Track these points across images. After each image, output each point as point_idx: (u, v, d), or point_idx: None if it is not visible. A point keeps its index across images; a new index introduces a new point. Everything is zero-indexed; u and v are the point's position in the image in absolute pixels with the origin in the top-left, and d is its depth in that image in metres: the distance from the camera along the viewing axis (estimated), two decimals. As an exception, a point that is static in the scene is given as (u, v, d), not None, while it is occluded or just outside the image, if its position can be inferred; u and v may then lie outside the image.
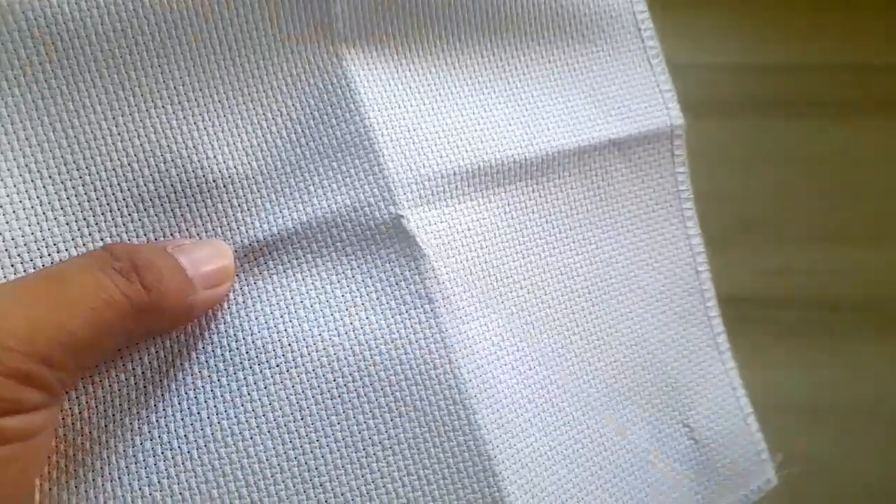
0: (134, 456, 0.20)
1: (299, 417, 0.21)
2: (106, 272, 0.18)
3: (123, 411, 0.20)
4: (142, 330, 0.19)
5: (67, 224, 0.20)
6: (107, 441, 0.20)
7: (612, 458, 0.25)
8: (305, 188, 0.22)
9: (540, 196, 0.26)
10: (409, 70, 0.25)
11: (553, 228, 0.26)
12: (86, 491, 0.19)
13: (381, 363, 0.22)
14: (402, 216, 0.23)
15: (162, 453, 0.20)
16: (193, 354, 0.21)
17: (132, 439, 0.20)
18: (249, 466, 0.20)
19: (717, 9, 0.66)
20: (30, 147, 0.20)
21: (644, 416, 0.27)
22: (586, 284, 0.27)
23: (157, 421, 0.20)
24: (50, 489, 0.19)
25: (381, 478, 0.21)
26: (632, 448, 0.26)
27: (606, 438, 0.26)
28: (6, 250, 0.19)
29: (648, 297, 0.28)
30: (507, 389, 0.23)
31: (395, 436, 0.21)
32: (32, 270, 0.19)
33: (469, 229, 0.24)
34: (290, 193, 0.22)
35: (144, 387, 0.20)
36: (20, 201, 0.19)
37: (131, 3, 0.20)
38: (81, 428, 0.19)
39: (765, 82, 0.62)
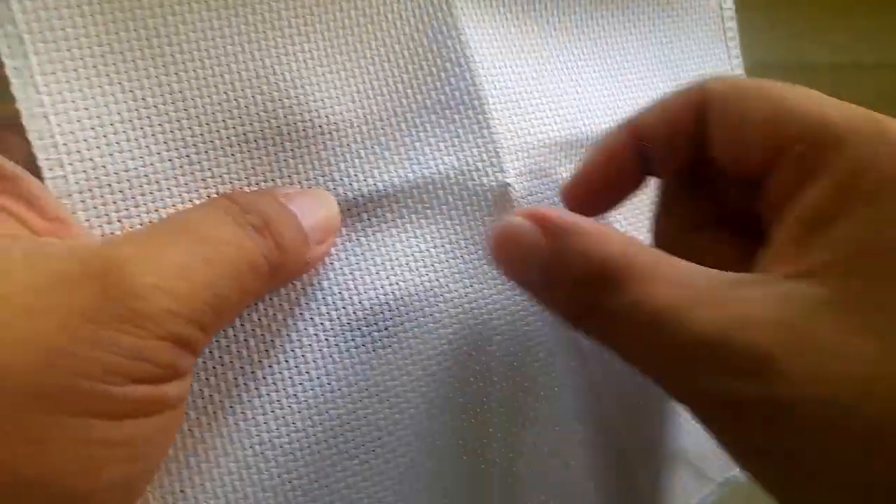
0: (243, 413, 0.19)
1: (406, 382, 0.20)
2: (244, 229, 0.16)
3: (232, 372, 0.19)
4: (267, 289, 0.18)
5: (170, 160, 0.19)
6: (216, 397, 0.19)
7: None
8: (412, 144, 0.21)
9: None
10: (518, 32, 0.24)
11: (635, 204, 0.26)
12: (195, 447, 0.19)
13: (484, 334, 0.21)
14: (508, 184, 0.22)
15: (272, 411, 0.19)
16: (299, 311, 0.20)
17: (241, 396, 0.19)
18: (360, 429, 0.20)
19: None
20: (135, 70, 0.18)
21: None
22: None
23: (265, 378, 0.19)
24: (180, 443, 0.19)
25: (492, 441, 0.21)
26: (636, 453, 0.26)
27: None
28: (109, 184, 0.18)
29: None
30: (599, 354, 0.23)
31: (499, 402, 0.22)
32: (134, 206, 0.18)
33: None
34: (396, 148, 0.21)
35: (253, 344, 0.19)
36: (123, 131, 0.18)
37: None
38: (192, 387, 0.19)
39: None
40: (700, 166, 0.20)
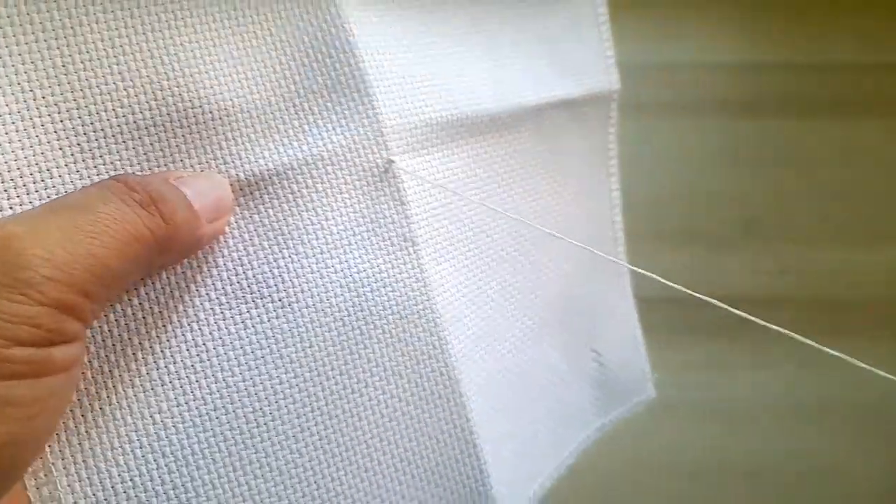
0: (142, 385, 0.20)
1: (301, 349, 0.22)
2: (128, 203, 0.17)
3: (131, 344, 0.20)
4: (157, 263, 0.19)
5: (61, 149, 0.19)
6: (116, 372, 0.20)
7: (540, 379, 0.30)
8: (300, 126, 0.23)
9: (502, 148, 0.28)
10: (400, 18, 0.26)
11: (509, 178, 0.29)
12: (95, 419, 0.19)
13: (371, 299, 0.23)
14: (392, 161, 0.24)
15: (170, 382, 0.20)
16: (194, 287, 0.21)
17: (139, 370, 0.20)
18: (256, 394, 0.21)
19: (717, 9, 0.66)
20: (23, 64, 0.19)
21: (562, 343, 0.31)
22: (526, 239, 0.29)
23: (162, 352, 0.20)
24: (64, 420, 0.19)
25: (370, 400, 0.23)
26: (552, 369, 0.31)
27: (536, 362, 0.30)
28: (0, 174, 0.18)
29: (577, 249, 0.31)
30: (469, 322, 0.26)
31: (382, 363, 0.23)
32: (26, 194, 0.19)
33: (445, 177, 0.26)
34: (285, 130, 0.22)
35: (150, 320, 0.20)
36: (13, 122, 0.19)
37: None
38: (90, 361, 0.19)
39: (765, 82, 0.62)
40: None
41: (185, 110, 0.21)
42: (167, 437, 0.20)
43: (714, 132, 0.60)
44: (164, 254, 0.19)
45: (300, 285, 0.22)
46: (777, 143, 0.59)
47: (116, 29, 0.20)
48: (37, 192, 0.19)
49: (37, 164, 0.19)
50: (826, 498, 0.46)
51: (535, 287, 0.30)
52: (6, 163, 0.18)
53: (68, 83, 0.19)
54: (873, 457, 0.46)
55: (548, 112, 0.30)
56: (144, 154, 0.20)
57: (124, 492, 0.19)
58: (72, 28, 0.19)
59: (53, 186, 0.19)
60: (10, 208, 0.18)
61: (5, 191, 0.18)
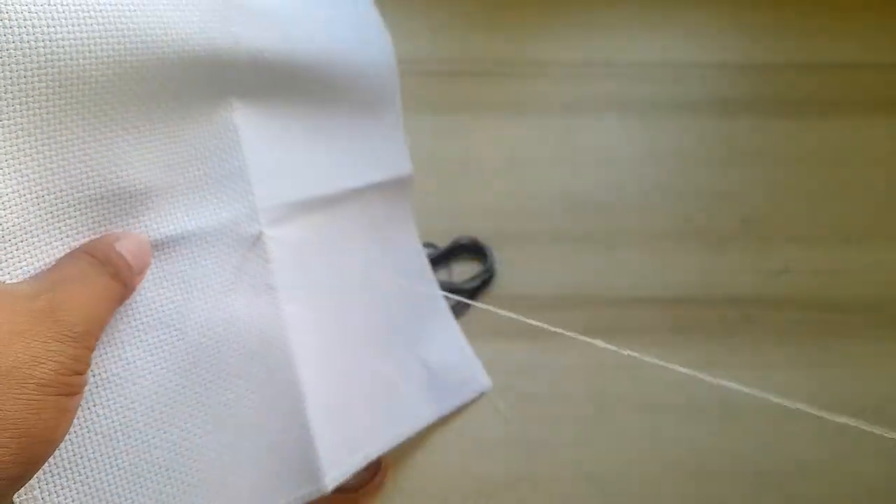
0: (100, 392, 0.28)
1: (190, 362, 0.31)
2: (113, 277, 0.26)
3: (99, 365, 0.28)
4: None
5: (39, 215, 0.25)
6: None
7: (372, 384, 0.41)
8: (200, 202, 0.32)
9: (334, 221, 0.40)
10: (278, 120, 0.36)
11: (340, 244, 0.40)
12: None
13: (242, 328, 0.33)
14: (262, 232, 0.34)
15: (99, 386, 0.27)
16: (121, 318, 0.28)
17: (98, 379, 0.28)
18: (156, 392, 0.29)
19: (717, 9, 0.66)
20: (18, 150, 0.24)
21: (393, 357, 0.43)
22: (356, 284, 0.41)
23: (99, 364, 0.28)
24: None
25: (236, 397, 0.33)
26: (385, 379, 0.42)
27: (370, 372, 0.41)
28: (2, 235, 0.24)
29: (395, 287, 0.44)
30: (312, 343, 0.36)
31: (247, 372, 0.33)
32: (16, 250, 0.24)
33: (297, 241, 0.36)
34: (190, 204, 0.31)
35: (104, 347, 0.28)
36: (9, 195, 0.24)
37: (106, 65, 0.26)
38: None
39: (765, 82, 0.62)
40: None
41: (121, 187, 0.28)
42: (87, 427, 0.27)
43: (713, 132, 0.60)
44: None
45: (193, 318, 0.31)
46: (777, 142, 0.59)
47: (76, 131, 0.26)
48: (26, 249, 0.25)
49: (23, 227, 0.25)
50: (826, 498, 0.46)
51: (365, 316, 0.41)
52: (2, 226, 0.24)
53: (48, 168, 0.25)
54: (873, 457, 0.45)
55: (366, 192, 0.43)
56: (94, 219, 0.27)
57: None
58: (51, 128, 0.25)
59: (38, 245, 0.25)
60: (6, 259, 0.24)
61: (5, 248, 0.24)
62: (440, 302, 0.49)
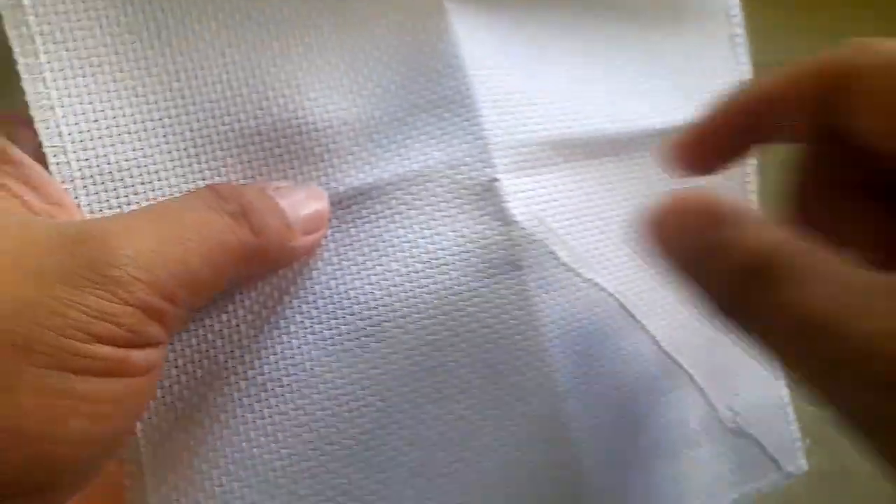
0: (230, 395, 0.20)
1: (388, 371, 0.21)
2: (218, 213, 0.18)
3: (223, 355, 0.20)
4: (247, 273, 0.19)
5: (169, 152, 0.20)
6: (206, 381, 0.20)
7: (667, 435, 0.26)
8: (403, 141, 0.22)
9: (622, 173, 0.26)
10: (513, 32, 0.24)
11: (632, 204, 0.26)
12: (185, 427, 0.20)
13: (468, 325, 0.22)
14: (497, 179, 0.22)
15: (257, 394, 0.20)
16: (287, 299, 0.21)
17: (230, 378, 0.20)
18: (340, 413, 0.21)
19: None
20: (138, 69, 0.20)
21: (697, 400, 0.27)
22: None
23: (252, 362, 0.20)
24: (149, 428, 0.20)
25: (457, 433, 0.22)
26: (682, 427, 0.27)
27: (663, 416, 0.26)
28: (110, 172, 0.20)
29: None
30: (579, 360, 0.23)
31: (475, 394, 0.22)
32: (134, 194, 0.20)
33: (556, 200, 0.24)
34: (388, 145, 0.22)
35: (243, 331, 0.21)
36: (125, 124, 0.20)
37: None
38: (178, 375, 0.20)
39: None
40: (830, 133, 0.19)
41: (288, 121, 0.21)
42: (249, 450, 0.20)
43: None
44: (254, 265, 0.19)
45: (391, 304, 0.21)
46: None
47: (227, 39, 0.21)
48: (144, 192, 0.20)
49: (146, 165, 0.20)
50: (826, 498, 0.46)
51: (659, 330, 0.26)
52: (117, 162, 0.20)
53: (179, 90, 0.20)
54: (873, 458, 0.45)
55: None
56: (248, 162, 0.21)
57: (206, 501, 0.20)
58: (185, 38, 0.20)
59: (160, 189, 0.20)
60: (119, 207, 0.20)
61: (115, 189, 0.20)
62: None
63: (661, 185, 0.26)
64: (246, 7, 0.21)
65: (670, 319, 0.26)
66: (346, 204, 0.22)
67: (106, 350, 0.15)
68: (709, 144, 0.20)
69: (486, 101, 0.23)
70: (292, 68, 0.21)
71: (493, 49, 0.24)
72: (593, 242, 0.24)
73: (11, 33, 0.19)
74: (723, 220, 0.16)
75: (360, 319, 0.21)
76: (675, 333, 0.26)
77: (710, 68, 0.28)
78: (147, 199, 0.20)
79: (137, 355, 0.16)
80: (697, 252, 0.17)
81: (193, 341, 0.20)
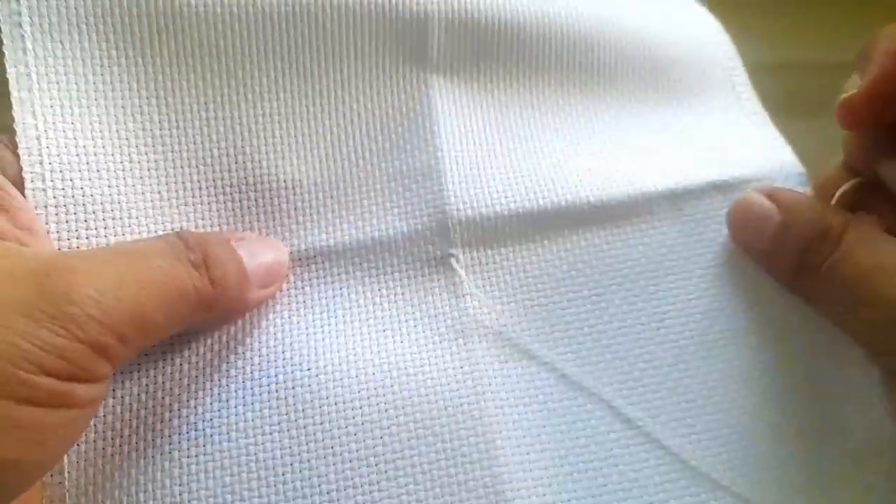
0: (168, 435, 0.20)
1: (319, 423, 0.21)
2: (181, 261, 0.18)
3: (164, 395, 0.21)
4: (197, 320, 0.20)
5: (143, 193, 0.21)
6: (144, 419, 0.20)
7: None
8: (369, 206, 0.23)
9: (622, 241, 0.24)
10: (493, 107, 0.25)
11: (636, 275, 0.24)
12: (116, 461, 0.20)
13: (410, 390, 0.21)
14: (452, 255, 0.23)
15: (187, 432, 0.20)
16: (233, 345, 0.21)
17: (168, 420, 0.20)
18: (265, 461, 0.20)
19: (718, 8, 0.67)
20: (124, 114, 0.21)
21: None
22: (680, 337, 0.23)
23: (193, 406, 0.21)
24: (78, 461, 0.20)
25: (389, 499, 0.20)
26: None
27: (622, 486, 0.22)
28: (84, 204, 0.20)
29: (760, 362, 0.24)
30: (532, 432, 0.22)
31: (414, 463, 0.21)
32: (104, 228, 0.20)
33: (526, 272, 0.23)
34: (353, 209, 0.23)
35: (186, 373, 0.21)
36: (105, 162, 0.21)
37: None
38: (127, 418, 0.20)
39: (764, 81, 0.62)
40: None
41: (260, 177, 0.22)
42: (174, 492, 0.20)
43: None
44: (207, 313, 0.20)
45: (333, 360, 0.21)
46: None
47: (213, 96, 0.22)
48: (112, 227, 0.21)
49: (119, 203, 0.21)
50: None
51: (625, 408, 0.23)
52: (92, 196, 0.20)
53: (160, 137, 0.22)
54: None
55: (689, 199, 0.25)
56: (217, 211, 0.22)
57: None
58: (172, 90, 0.22)
59: (130, 226, 0.21)
60: (87, 238, 0.20)
61: (85, 220, 0.20)
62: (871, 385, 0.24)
63: (679, 249, 0.25)
64: (234, 69, 0.22)
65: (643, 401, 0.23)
66: (305, 262, 0.22)
67: (51, 382, 0.16)
68: (882, 99, 0.22)
69: (454, 174, 0.23)
70: (271, 127, 0.23)
71: (472, 122, 0.25)
72: (578, 314, 0.23)
73: (10, 70, 0.21)
74: (792, 204, 0.22)
75: (299, 371, 0.21)
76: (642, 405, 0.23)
77: (722, 130, 0.28)
78: (115, 235, 0.21)
79: (81, 389, 0.16)
80: (769, 232, 0.22)
81: (136, 382, 0.20)
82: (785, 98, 0.63)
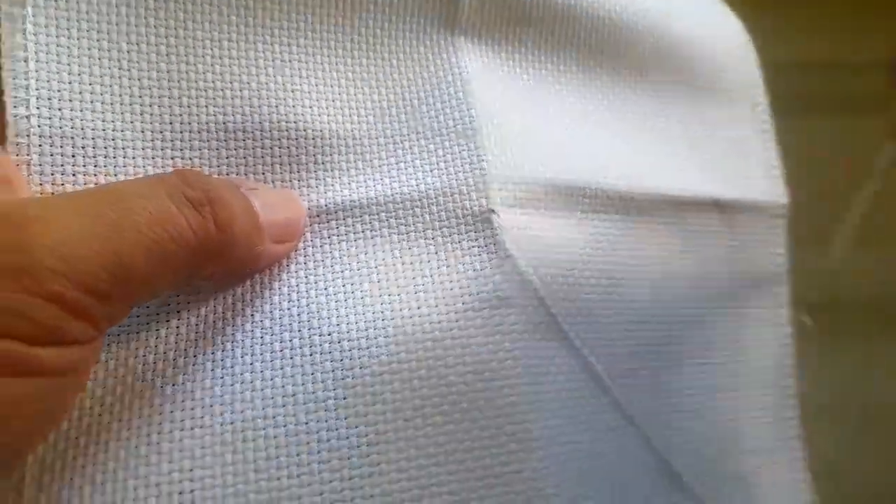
0: (164, 410, 0.18)
1: (343, 398, 0.18)
2: (175, 201, 0.16)
3: (151, 362, 0.18)
4: (202, 274, 0.17)
5: (143, 131, 0.19)
6: (128, 398, 0.18)
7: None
8: (397, 164, 0.21)
9: (630, 235, 0.24)
10: (521, 79, 0.24)
11: (639, 271, 0.24)
12: (107, 443, 0.17)
13: (444, 359, 0.19)
14: (493, 211, 0.21)
15: (182, 401, 0.18)
16: (240, 306, 0.19)
17: (163, 388, 0.18)
18: (275, 437, 0.18)
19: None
20: (128, 43, 0.19)
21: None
22: (665, 334, 0.24)
23: (184, 367, 0.18)
24: (73, 437, 0.17)
25: (417, 468, 0.19)
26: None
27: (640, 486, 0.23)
28: (72, 137, 0.18)
29: (730, 379, 0.25)
30: (558, 417, 0.21)
31: (448, 451, 0.19)
32: (94, 166, 0.18)
33: (554, 245, 0.22)
34: (380, 166, 0.21)
35: (191, 337, 0.19)
36: (101, 94, 0.19)
37: None
38: (114, 386, 0.18)
39: (765, 82, 0.62)
40: None
41: (277, 123, 0.20)
42: (162, 468, 0.17)
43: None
44: (211, 263, 0.17)
45: (360, 326, 0.19)
46: (777, 142, 0.59)
47: (228, 32, 0.20)
48: (104, 165, 0.18)
49: (113, 139, 0.19)
50: (826, 498, 0.46)
51: (631, 404, 0.23)
52: (83, 129, 0.18)
53: (166, 71, 0.19)
54: (873, 458, 0.46)
55: (691, 209, 0.26)
56: (227, 157, 0.20)
57: None
58: (183, 22, 0.19)
59: (124, 166, 0.19)
60: (73, 174, 0.18)
61: (73, 156, 0.18)
62: (795, 442, 0.28)
63: (677, 256, 0.25)
64: (253, 5, 0.20)
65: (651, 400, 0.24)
66: (325, 218, 0.20)
67: (4, 345, 0.13)
68: None
69: (490, 133, 0.22)
70: (291, 73, 0.20)
71: (501, 92, 0.23)
72: (592, 295, 0.23)
73: None
74: None
75: (318, 335, 0.19)
76: (658, 419, 0.24)
77: (734, 149, 0.28)
78: (107, 174, 0.18)
79: (46, 353, 0.14)
80: None
81: (122, 355, 0.18)
82: (785, 98, 0.63)
